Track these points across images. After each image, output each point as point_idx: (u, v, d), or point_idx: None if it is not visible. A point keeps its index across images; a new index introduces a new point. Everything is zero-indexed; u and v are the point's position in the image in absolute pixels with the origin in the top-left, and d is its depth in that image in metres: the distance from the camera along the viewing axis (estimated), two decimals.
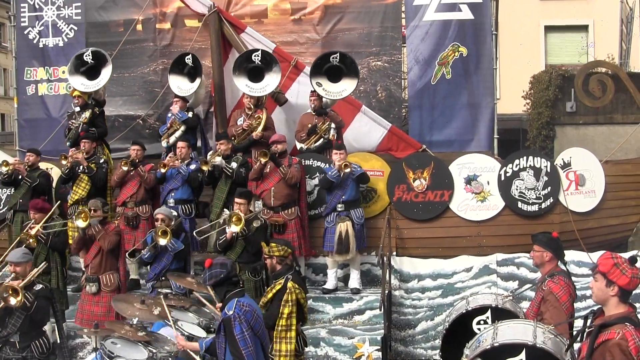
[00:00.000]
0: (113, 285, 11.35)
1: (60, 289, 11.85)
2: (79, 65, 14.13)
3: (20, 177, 13.36)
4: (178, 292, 10.96)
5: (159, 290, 10.75)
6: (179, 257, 11.47)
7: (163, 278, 11.33)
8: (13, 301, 8.78)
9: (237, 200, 11.27)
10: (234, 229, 10.89)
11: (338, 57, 13.43)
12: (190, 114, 13.97)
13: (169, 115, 14.21)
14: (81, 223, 11.05)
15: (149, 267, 11.78)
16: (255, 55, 13.58)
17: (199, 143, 14.54)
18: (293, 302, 8.30)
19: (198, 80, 14.08)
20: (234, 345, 7.03)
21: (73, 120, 14.01)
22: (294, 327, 8.39)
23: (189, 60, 14.15)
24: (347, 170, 12.11)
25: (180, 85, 14.18)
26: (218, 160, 12.58)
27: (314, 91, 13.43)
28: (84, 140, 13.28)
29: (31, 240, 11.49)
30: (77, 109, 14.05)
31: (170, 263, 11.40)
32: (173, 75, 14.28)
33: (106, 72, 14.19)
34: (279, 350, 8.30)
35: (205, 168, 12.52)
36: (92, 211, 11.24)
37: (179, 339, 8.20)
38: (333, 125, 13.32)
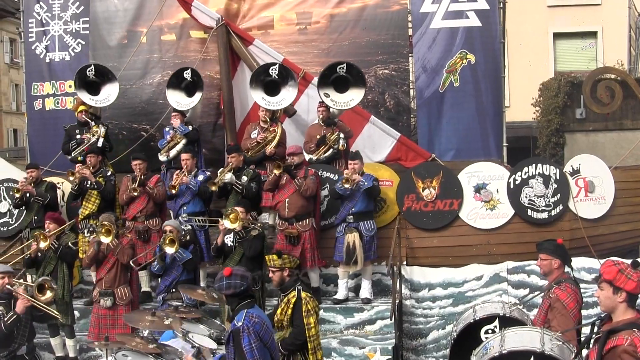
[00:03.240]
0: (128, 299, 11.50)
1: (66, 301, 11.90)
2: (82, 79, 14.21)
3: (29, 196, 13.41)
4: (189, 303, 10.98)
5: (169, 303, 10.80)
6: (188, 269, 11.51)
7: (174, 290, 11.37)
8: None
9: (236, 207, 11.42)
10: (227, 224, 11.05)
11: (345, 68, 13.45)
12: (190, 128, 14.04)
13: (167, 129, 14.26)
14: (105, 238, 11.14)
15: (159, 279, 11.84)
16: (272, 69, 13.62)
17: None
18: (313, 310, 8.32)
19: (198, 95, 14.15)
20: (241, 357, 7.02)
21: (86, 135, 14.04)
22: (319, 333, 8.52)
23: (187, 74, 14.22)
24: (347, 185, 12.09)
25: (178, 99, 14.23)
26: (228, 177, 12.56)
27: (322, 102, 13.46)
28: (89, 155, 13.34)
29: (43, 244, 11.57)
30: (93, 123, 14.11)
31: (180, 274, 11.46)
32: (170, 89, 14.33)
33: (112, 89, 14.32)
34: (317, 359, 8.35)
35: (214, 189, 12.54)
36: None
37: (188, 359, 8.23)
38: (342, 135, 13.33)
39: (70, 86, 16.07)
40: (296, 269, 8.61)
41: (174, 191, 12.71)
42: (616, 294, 5.69)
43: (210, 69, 15.65)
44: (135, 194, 12.84)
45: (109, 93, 14.28)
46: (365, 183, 12.25)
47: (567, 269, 8.66)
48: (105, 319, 11.40)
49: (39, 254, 11.80)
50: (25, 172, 14.01)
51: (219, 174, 12.75)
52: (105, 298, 11.39)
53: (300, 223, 12.32)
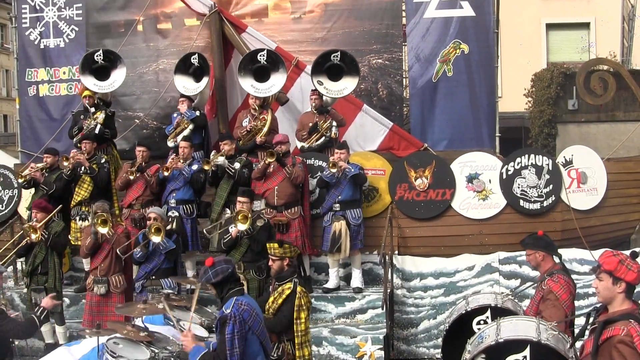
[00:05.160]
0: (122, 287, 11.47)
1: (57, 289, 11.80)
2: (88, 64, 14.10)
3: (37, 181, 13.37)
4: (169, 291, 10.96)
5: (162, 290, 10.77)
6: (169, 257, 11.47)
7: (153, 277, 11.36)
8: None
9: (240, 199, 11.28)
10: (240, 227, 10.91)
11: (339, 56, 13.38)
12: (197, 113, 13.96)
13: (174, 115, 14.18)
14: (102, 229, 11.09)
15: (139, 266, 11.78)
16: (260, 55, 13.53)
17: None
18: (306, 305, 8.29)
19: (205, 80, 14.05)
20: (221, 343, 6.97)
21: (87, 121, 13.95)
22: (309, 330, 8.47)
23: (194, 60, 14.11)
24: (334, 170, 12.08)
25: (186, 85, 14.12)
26: (221, 160, 12.53)
27: (315, 90, 13.41)
28: (84, 141, 13.29)
29: (34, 236, 11.48)
30: (93, 109, 14.00)
31: (162, 263, 11.42)
32: (178, 75, 14.20)
33: (120, 74, 14.20)
34: (303, 355, 8.30)
35: (207, 168, 12.50)
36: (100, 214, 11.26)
37: (185, 334, 8.16)
38: (334, 123, 13.28)
39: (64, 73, 16.02)
40: (294, 259, 8.57)
41: (166, 173, 12.65)
42: (616, 285, 5.70)
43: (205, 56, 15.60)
44: (132, 177, 12.77)
45: (115, 78, 14.18)
46: (352, 170, 12.23)
47: (557, 260, 8.69)
48: (98, 306, 11.37)
49: (27, 241, 11.72)
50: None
51: (211, 157, 12.72)
52: (99, 285, 11.34)
53: (289, 211, 12.30)
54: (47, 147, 14.30)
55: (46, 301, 9.13)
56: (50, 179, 13.24)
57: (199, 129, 13.99)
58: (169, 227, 11.62)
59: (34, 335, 10.68)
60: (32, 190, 13.62)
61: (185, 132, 13.67)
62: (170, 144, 13.85)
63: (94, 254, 11.51)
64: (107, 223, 11.14)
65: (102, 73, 14.15)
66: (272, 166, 12.30)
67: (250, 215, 10.92)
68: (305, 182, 12.62)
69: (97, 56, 14.11)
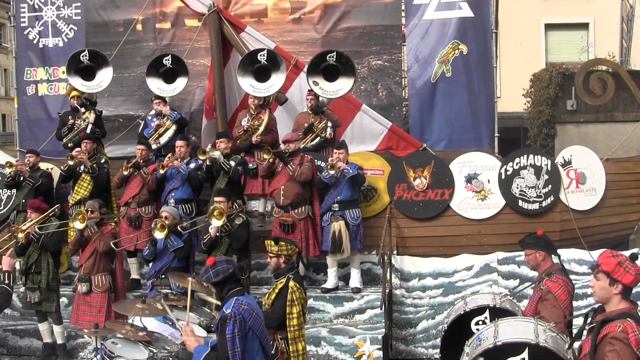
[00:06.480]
0: (105, 287, 11.34)
1: (52, 288, 11.75)
2: (75, 64, 14.14)
3: (22, 178, 13.43)
4: (177, 291, 10.94)
5: (159, 289, 10.75)
6: (181, 256, 11.47)
7: (163, 276, 11.33)
8: None
9: (215, 199, 11.31)
10: (215, 223, 10.91)
11: (335, 56, 13.38)
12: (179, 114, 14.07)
13: (149, 117, 14.25)
14: (78, 224, 11.06)
15: (150, 264, 11.79)
16: (260, 55, 13.53)
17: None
18: (298, 300, 8.25)
19: (183, 80, 14.16)
20: (222, 344, 6.97)
21: (76, 121, 14.00)
22: (303, 325, 8.42)
23: (167, 61, 14.23)
24: (332, 172, 12.08)
25: (160, 86, 14.25)
26: (217, 154, 12.54)
27: (311, 90, 13.43)
28: (85, 141, 13.31)
29: (20, 235, 11.46)
30: (83, 109, 14.09)
31: (172, 261, 11.42)
32: (150, 77, 14.35)
33: (106, 74, 14.25)
34: (297, 350, 8.26)
35: (202, 157, 12.51)
36: (89, 212, 11.24)
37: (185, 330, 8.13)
38: (330, 124, 13.30)
39: (63, 72, 16.05)
40: (292, 257, 8.55)
41: (162, 171, 12.66)
42: (612, 286, 5.68)
43: (206, 57, 15.59)
44: (125, 172, 12.80)
45: (102, 79, 14.25)
46: (350, 171, 12.21)
47: (556, 260, 8.68)
48: (83, 304, 11.34)
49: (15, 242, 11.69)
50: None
51: (208, 148, 12.73)
52: (82, 283, 11.31)
53: (296, 211, 12.24)
54: (29, 148, 14.43)
55: (5, 263, 8.88)
56: (34, 176, 13.35)
57: (179, 129, 14.05)
58: (180, 225, 11.62)
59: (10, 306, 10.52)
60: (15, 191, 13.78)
61: (169, 133, 13.76)
62: (152, 145, 13.88)
63: (81, 251, 11.52)
64: (85, 220, 11.11)
65: (87, 73, 14.22)
66: (279, 165, 12.31)
67: (225, 212, 10.94)
68: (314, 181, 12.58)
69: (82, 56, 14.17)
